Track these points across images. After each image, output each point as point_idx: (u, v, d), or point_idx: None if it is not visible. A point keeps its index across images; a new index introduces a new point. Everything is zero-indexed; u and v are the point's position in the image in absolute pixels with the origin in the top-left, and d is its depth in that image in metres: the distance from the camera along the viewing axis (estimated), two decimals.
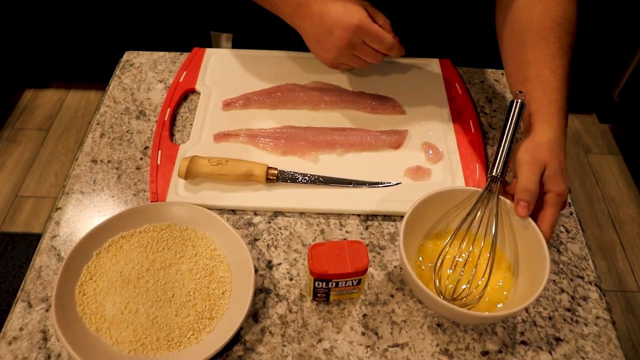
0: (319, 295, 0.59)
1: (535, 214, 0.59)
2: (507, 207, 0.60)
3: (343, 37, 0.67)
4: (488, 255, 0.59)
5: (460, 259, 0.61)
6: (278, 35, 0.94)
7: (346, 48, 0.69)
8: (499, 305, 0.58)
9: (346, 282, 0.56)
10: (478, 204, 0.61)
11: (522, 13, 0.67)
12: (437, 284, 0.58)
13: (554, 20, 0.64)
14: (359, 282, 0.57)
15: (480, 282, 0.58)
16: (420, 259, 0.61)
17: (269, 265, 0.64)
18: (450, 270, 0.60)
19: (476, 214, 0.61)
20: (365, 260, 0.55)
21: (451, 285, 0.59)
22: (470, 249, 0.61)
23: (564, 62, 0.63)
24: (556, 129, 0.60)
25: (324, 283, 0.56)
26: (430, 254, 0.62)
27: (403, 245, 0.56)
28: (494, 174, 0.61)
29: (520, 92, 0.63)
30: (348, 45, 0.68)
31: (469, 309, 0.56)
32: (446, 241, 0.61)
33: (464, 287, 0.58)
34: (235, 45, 1.00)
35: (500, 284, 0.60)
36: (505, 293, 0.59)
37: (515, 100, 0.63)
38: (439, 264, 0.59)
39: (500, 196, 0.61)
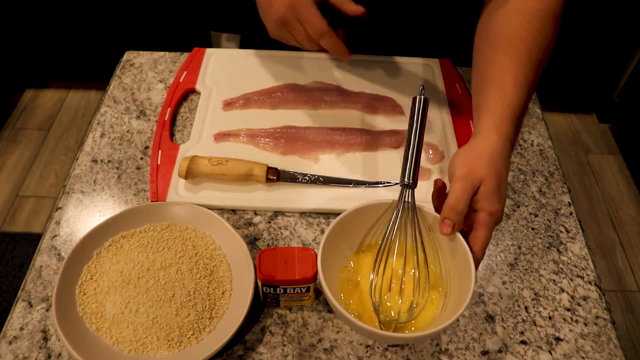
0: (269, 299, 0.58)
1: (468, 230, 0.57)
2: (431, 218, 0.58)
3: (278, 10, 0.68)
4: (413, 270, 0.57)
5: (387, 282, 0.59)
6: None
7: (280, 23, 0.69)
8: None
9: (294, 289, 0.56)
10: (396, 216, 0.57)
11: (499, 22, 0.66)
12: (376, 308, 0.56)
13: (529, 33, 0.63)
14: (308, 290, 0.57)
15: (420, 300, 0.56)
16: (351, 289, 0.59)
17: None
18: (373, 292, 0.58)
19: (395, 228, 0.57)
20: (313, 268, 0.55)
21: (399, 310, 0.57)
22: (403, 265, 0.58)
23: (529, 74, 0.61)
24: (503, 137, 0.57)
25: (272, 289, 0.56)
26: (360, 271, 0.60)
27: (321, 269, 0.53)
28: (405, 181, 0.57)
29: (422, 86, 0.60)
30: (282, 20, 0.68)
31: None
32: (374, 262, 0.57)
33: (399, 310, 0.57)
34: (242, 46, 1.01)
35: (434, 297, 0.58)
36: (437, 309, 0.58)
37: (418, 97, 0.59)
38: (372, 288, 0.57)
39: (418, 205, 0.58)
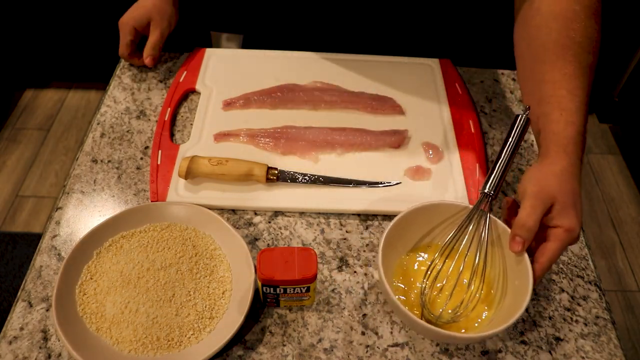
0: (269, 299, 0.59)
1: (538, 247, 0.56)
2: (501, 229, 0.58)
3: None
4: (473, 276, 0.57)
5: (442, 281, 0.59)
6: (285, 35, 0.94)
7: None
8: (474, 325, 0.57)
9: (294, 289, 0.56)
10: (468, 221, 0.58)
11: (539, 31, 0.63)
12: (424, 305, 0.57)
13: (572, 39, 0.60)
14: (308, 290, 0.57)
15: (468, 305, 0.57)
16: (401, 278, 0.60)
17: None
18: (432, 291, 0.59)
19: (465, 233, 0.58)
20: (313, 268, 0.55)
21: (441, 309, 0.57)
22: (460, 268, 0.59)
23: (582, 83, 0.59)
24: (571, 156, 0.55)
25: (272, 289, 0.56)
26: (412, 271, 0.61)
27: (382, 263, 0.55)
28: (486, 190, 0.58)
29: (528, 107, 0.61)
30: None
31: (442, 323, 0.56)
32: (433, 259, 0.59)
33: (442, 309, 0.57)
34: (244, 46, 1.01)
35: (485, 309, 0.59)
36: (484, 315, 0.58)
37: (521, 115, 0.61)
38: (425, 285, 0.58)
39: (491, 216, 0.58)
